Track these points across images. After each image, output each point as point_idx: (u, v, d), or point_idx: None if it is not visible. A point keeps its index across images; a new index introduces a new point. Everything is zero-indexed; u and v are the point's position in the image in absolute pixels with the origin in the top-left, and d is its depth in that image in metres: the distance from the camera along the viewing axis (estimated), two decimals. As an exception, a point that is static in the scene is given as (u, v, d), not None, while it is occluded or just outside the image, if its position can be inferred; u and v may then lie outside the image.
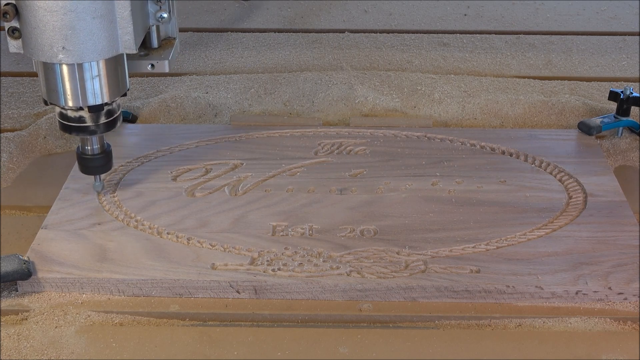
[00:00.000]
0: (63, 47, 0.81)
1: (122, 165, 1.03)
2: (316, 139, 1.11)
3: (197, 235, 0.92)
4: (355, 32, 1.50)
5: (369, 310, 0.84)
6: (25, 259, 0.85)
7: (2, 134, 1.11)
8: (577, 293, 0.84)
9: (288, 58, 1.39)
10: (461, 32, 1.50)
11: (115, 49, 0.84)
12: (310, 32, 1.51)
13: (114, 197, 0.98)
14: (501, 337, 0.81)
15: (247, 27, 1.53)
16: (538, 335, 0.81)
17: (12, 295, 0.85)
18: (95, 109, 0.88)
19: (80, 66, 0.84)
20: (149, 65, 0.90)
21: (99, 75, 0.85)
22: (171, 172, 1.03)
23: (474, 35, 1.49)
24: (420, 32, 1.50)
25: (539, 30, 1.52)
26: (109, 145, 0.94)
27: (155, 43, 0.91)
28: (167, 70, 0.90)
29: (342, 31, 1.51)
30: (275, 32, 1.51)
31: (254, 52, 1.42)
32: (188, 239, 0.91)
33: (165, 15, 0.89)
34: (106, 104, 0.88)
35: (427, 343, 0.80)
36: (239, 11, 1.60)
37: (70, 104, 0.87)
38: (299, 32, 1.51)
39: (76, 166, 1.04)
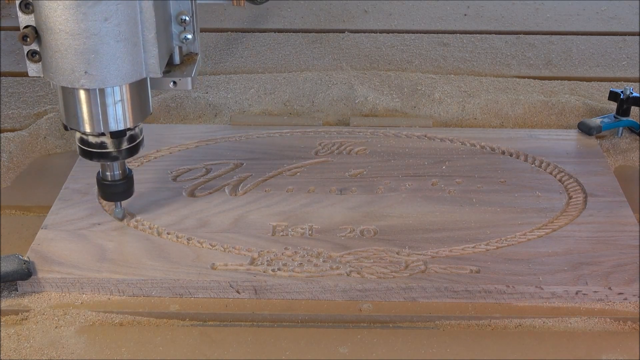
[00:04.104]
0: (85, 72, 0.77)
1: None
2: (316, 139, 1.11)
3: (197, 235, 0.92)
4: (355, 32, 1.50)
5: (369, 310, 0.84)
6: (25, 259, 0.85)
7: (2, 134, 1.11)
8: (577, 293, 0.84)
9: (288, 58, 1.39)
10: (461, 32, 1.50)
11: (139, 73, 0.80)
12: (310, 32, 1.51)
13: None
14: (501, 337, 0.81)
15: (247, 27, 1.53)
16: (538, 335, 0.81)
17: (12, 295, 0.85)
18: (117, 135, 0.84)
19: (102, 91, 0.80)
20: (171, 83, 0.85)
21: (121, 100, 0.82)
22: (171, 172, 1.03)
23: (474, 35, 1.49)
24: (420, 32, 1.50)
25: (539, 30, 1.52)
26: (130, 171, 0.91)
27: (177, 59, 0.88)
28: (189, 88, 0.86)
29: (342, 31, 1.51)
30: (275, 32, 1.51)
31: (254, 52, 1.42)
32: (188, 239, 0.91)
33: (189, 36, 0.85)
34: (129, 129, 0.85)
35: (427, 343, 0.80)
36: (238, 11, 1.60)
37: (91, 129, 0.83)
38: (299, 32, 1.51)
39: (76, 166, 1.04)
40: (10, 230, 0.96)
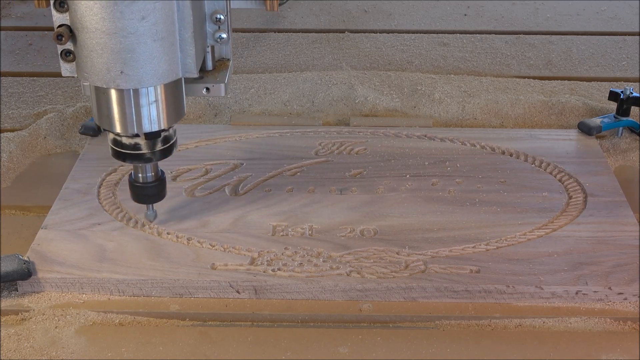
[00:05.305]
0: (121, 72, 0.75)
1: (122, 166, 1.03)
2: (316, 139, 1.11)
3: (197, 235, 0.92)
4: (355, 32, 1.50)
5: (369, 310, 0.84)
6: (25, 259, 0.85)
7: (2, 134, 1.11)
8: (577, 293, 0.84)
9: (288, 58, 1.39)
10: (461, 32, 1.50)
11: (175, 73, 0.79)
12: (310, 32, 1.51)
13: (114, 197, 0.98)
14: (501, 337, 0.81)
15: (246, 27, 1.53)
16: (538, 335, 0.81)
17: (12, 295, 0.85)
18: (152, 136, 0.82)
19: (137, 91, 0.78)
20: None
21: (156, 100, 0.80)
22: (171, 172, 1.03)
23: (474, 35, 1.49)
24: (420, 32, 1.50)
25: (539, 30, 1.52)
26: (163, 173, 0.89)
27: (209, 65, 0.86)
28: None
29: (342, 31, 1.51)
30: (275, 32, 1.51)
31: (255, 52, 1.42)
32: (188, 239, 0.91)
33: (224, 35, 0.83)
34: (163, 130, 0.83)
35: (427, 343, 0.80)
36: (238, 12, 1.60)
37: (125, 130, 0.81)
38: (299, 32, 1.51)
39: (76, 166, 1.04)
40: (10, 230, 0.96)
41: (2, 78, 1.32)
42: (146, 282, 0.85)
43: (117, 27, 0.74)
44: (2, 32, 1.50)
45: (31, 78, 1.32)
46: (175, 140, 0.87)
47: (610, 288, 0.84)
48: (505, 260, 0.88)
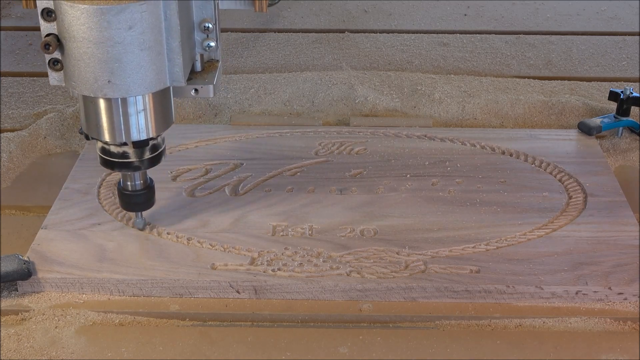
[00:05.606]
0: (109, 81, 0.75)
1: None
2: (316, 139, 1.11)
3: (197, 235, 0.92)
4: (355, 32, 1.50)
5: (369, 310, 0.84)
6: (25, 259, 0.85)
7: (2, 134, 1.11)
8: (577, 293, 0.84)
9: (288, 58, 1.39)
10: (461, 32, 1.50)
11: (163, 82, 0.79)
12: (310, 32, 1.51)
13: (114, 197, 0.98)
14: (501, 337, 0.81)
15: (246, 27, 1.53)
16: (538, 335, 0.81)
17: (12, 295, 0.85)
18: (140, 145, 0.83)
19: (125, 100, 0.78)
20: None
21: (144, 109, 0.80)
22: (171, 172, 1.03)
23: (474, 35, 1.49)
24: (420, 32, 1.50)
25: (539, 30, 1.52)
26: (151, 180, 0.89)
27: (198, 67, 0.85)
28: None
29: (342, 31, 1.51)
30: (275, 32, 1.51)
31: (255, 52, 1.42)
32: (188, 239, 0.91)
33: (212, 44, 0.83)
34: (151, 138, 0.83)
35: (427, 343, 0.80)
36: (238, 12, 1.60)
37: (113, 139, 0.81)
38: (299, 32, 1.51)
39: (76, 166, 1.04)
40: (10, 230, 0.96)
41: (2, 78, 1.32)
42: (146, 282, 0.85)
43: (104, 37, 0.74)
44: (2, 32, 1.50)
45: (31, 78, 1.32)
46: (164, 149, 0.87)
47: (610, 288, 0.84)
48: (505, 260, 0.88)
